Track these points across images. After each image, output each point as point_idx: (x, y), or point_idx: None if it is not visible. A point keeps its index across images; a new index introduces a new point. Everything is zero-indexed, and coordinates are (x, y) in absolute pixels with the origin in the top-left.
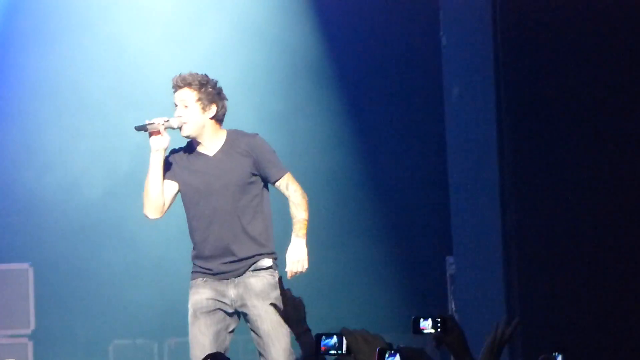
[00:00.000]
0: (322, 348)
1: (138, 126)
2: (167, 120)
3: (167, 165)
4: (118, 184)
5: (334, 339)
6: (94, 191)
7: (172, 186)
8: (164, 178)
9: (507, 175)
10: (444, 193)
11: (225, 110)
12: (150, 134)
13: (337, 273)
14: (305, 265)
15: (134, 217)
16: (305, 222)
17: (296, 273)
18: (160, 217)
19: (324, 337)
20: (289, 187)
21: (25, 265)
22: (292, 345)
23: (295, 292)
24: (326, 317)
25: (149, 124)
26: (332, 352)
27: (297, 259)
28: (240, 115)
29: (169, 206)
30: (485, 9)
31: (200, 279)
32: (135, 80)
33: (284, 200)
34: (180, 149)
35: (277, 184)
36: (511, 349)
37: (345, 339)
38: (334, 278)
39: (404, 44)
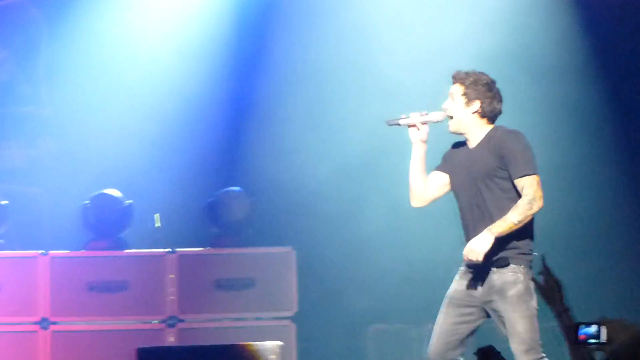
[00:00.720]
0: (582, 337)
1: (391, 121)
2: (426, 114)
3: (444, 157)
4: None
5: (593, 327)
6: (333, 179)
7: (440, 177)
8: (440, 169)
9: None
10: None
11: (494, 108)
12: (410, 127)
13: (596, 265)
14: (480, 259)
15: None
16: (510, 225)
17: (470, 261)
18: (425, 205)
19: (583, 325)
20: (524, 190)
21: (288, 249)
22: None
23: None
24: (585, 307)
25: (402, 119)
26: (591, 340)
27: (475, 248)
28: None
29: (439, 196)
30: None
31: (462, 268)
32: (368, 74)
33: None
34: (459, 142)
35: (516, 182)
36: None
37: (604, 327)
38: (593, 270)
39: None
